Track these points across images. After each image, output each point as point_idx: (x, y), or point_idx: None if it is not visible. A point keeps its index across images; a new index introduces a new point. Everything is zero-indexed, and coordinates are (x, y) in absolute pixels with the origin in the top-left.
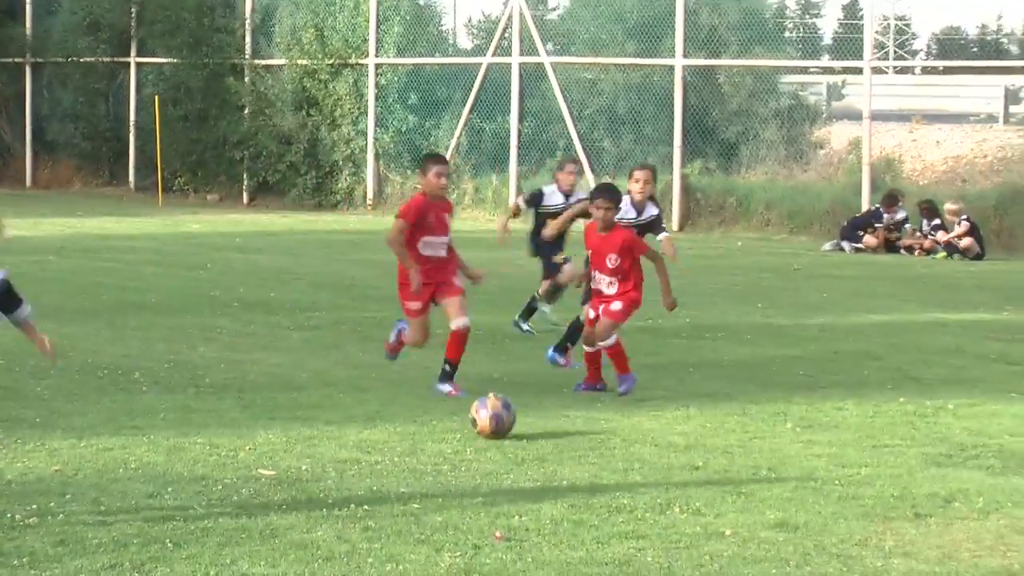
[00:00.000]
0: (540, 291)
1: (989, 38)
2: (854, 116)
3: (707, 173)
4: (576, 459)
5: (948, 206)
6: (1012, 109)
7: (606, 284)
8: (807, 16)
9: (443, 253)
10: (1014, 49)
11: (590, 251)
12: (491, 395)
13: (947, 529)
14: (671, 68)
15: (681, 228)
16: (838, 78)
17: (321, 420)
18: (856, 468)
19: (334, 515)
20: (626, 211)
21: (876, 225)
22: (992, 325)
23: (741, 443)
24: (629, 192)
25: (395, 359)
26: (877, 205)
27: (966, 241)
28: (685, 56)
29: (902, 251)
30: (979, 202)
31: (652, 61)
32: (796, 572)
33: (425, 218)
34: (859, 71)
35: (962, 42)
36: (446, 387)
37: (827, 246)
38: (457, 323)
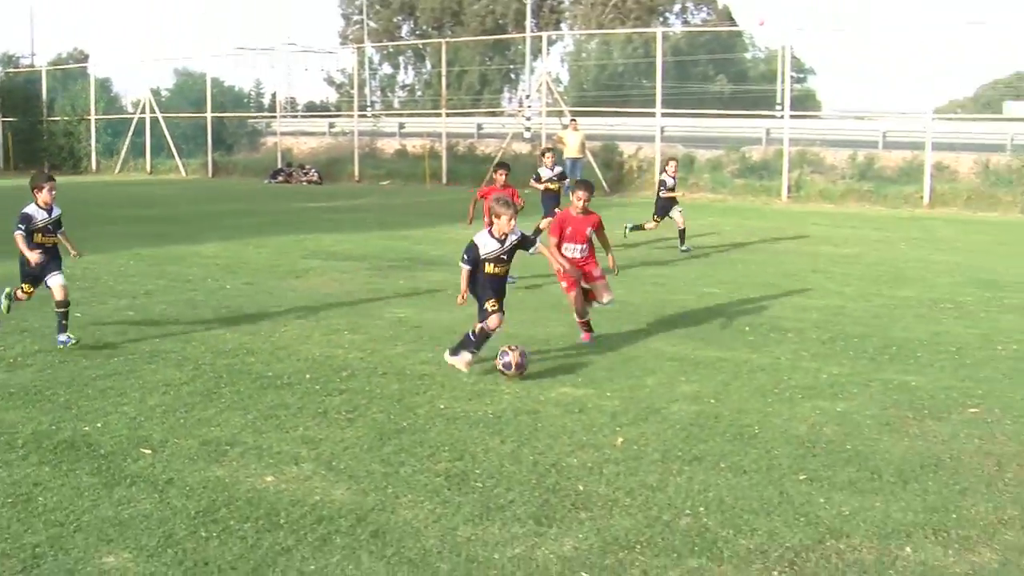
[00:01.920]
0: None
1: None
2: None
3: (221, 156)
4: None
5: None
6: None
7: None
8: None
9: (581, 254)
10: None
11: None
12: (512, 347)
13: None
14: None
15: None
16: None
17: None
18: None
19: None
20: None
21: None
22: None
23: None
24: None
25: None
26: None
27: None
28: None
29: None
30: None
31: (200, 115)
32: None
33: (564, 229)
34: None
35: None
36: (582, 336)
37: (266, 180)
38: (605, 299)
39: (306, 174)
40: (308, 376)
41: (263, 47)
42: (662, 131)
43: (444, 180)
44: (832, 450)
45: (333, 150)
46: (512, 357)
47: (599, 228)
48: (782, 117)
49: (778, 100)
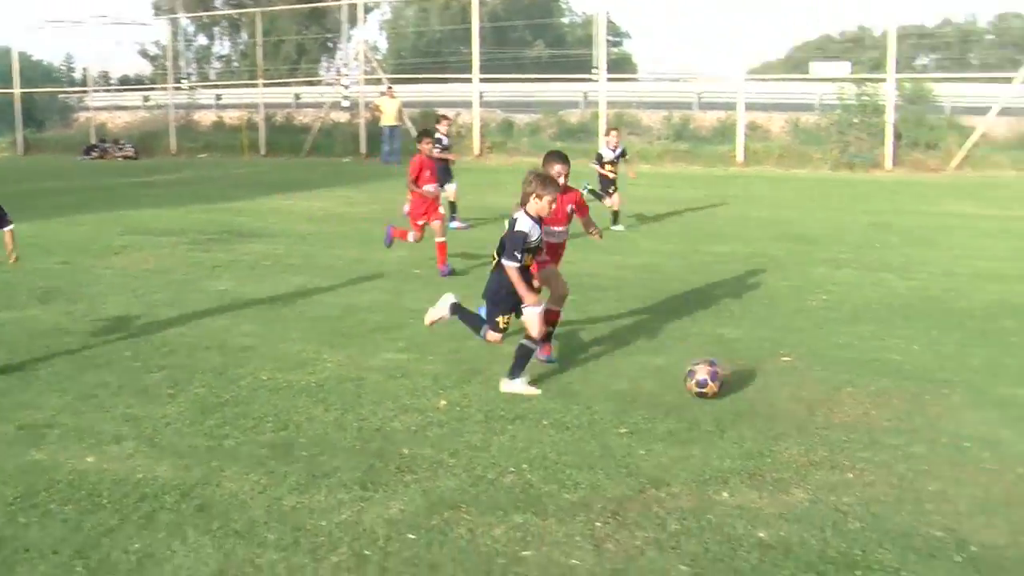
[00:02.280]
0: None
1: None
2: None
3: (32, 133)
4: None
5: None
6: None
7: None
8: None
9: (561, 238)
10: None
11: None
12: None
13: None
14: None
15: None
16: None
17: None
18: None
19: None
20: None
21: None
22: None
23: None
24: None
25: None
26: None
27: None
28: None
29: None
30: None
31: (7, 91)
32: None
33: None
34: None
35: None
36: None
37: (80, 156)
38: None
39: (121, 149)
40: (128, 354)
41: (73, 19)
42: (480, 96)
43: (263, 151)
44: (652, 403)
45: (148, 124)
46: (706, 373)
47: (580, 207)
48: (599, 80)
49: (595, 64)
